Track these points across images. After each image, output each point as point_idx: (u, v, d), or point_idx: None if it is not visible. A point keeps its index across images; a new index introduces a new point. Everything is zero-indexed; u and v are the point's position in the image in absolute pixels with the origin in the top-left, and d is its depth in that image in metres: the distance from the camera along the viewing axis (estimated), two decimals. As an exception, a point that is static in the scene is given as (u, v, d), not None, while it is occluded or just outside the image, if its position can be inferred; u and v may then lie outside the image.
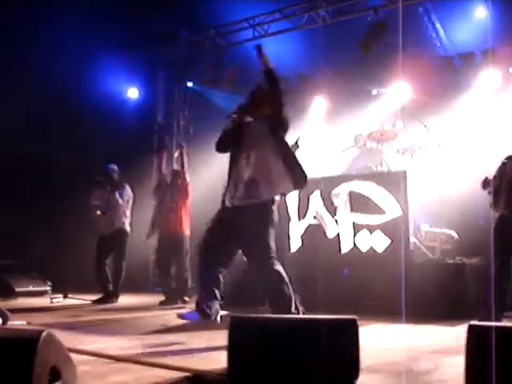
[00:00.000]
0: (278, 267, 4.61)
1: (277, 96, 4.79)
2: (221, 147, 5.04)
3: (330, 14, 9.62)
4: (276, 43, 10.03)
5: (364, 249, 6.96)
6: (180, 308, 7.37)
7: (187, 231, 8.02)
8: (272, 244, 4.61)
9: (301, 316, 3.17)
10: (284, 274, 4.61)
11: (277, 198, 4.74)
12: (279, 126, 4.79)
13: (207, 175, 9.17)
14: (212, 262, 4.78)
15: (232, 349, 3.00)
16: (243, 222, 4.58)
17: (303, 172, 4.71)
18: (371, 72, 9.92)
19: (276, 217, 4.70)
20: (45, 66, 9.24)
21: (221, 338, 3.12)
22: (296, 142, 6.46)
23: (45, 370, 2.37)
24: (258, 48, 5.03)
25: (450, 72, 9.81)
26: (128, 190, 8.42)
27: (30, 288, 8.75)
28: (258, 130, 4.80)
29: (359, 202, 7.06)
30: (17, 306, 7.04)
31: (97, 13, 9.13)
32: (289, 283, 4.61)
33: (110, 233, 8.22)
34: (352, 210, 7.12)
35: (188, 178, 8.19)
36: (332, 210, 7.24)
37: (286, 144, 4.86)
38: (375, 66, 9.59)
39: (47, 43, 9.06)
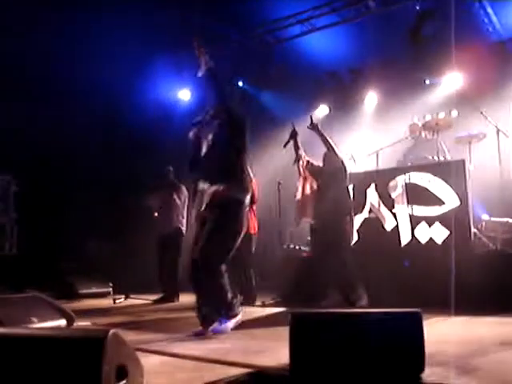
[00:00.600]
0: None
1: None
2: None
3: (378, 4, 9.49)
4: (325, 38, 9.98)
5: (423, 241, 6.86)
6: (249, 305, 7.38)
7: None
8: None
9: (364, 310, 3.14)
10: None
11: None
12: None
13: (259, 171, 9.19)
14: None
15: (294, 345, 3.00)
16: None
17: None
18: (423, 61, 9.74)
19: None
20: (96, 69, 9.42)
21: (283, 334, 3.12)
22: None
23: (112, 368, 2.42)
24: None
25: (503, 57, 9.53)
26: (184, 190, 8.51)
27: (93, 290, 8.93)
28: None
29: (416, 194, 6.97)
30: (81, 308, 7.20)
31: (147, 15, 9.25)
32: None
33: (167, 233, 8.33)
34: (409, 201, 7.03)
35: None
36: (389, 203, 7.16)
37: None
38: (426, 55, 9.41)
39: (98, 46, 9.23)
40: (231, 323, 4.73)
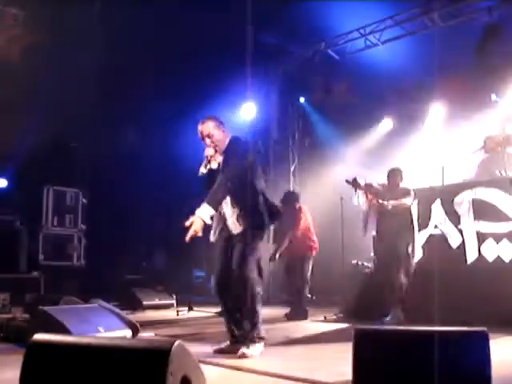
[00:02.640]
0: None
1: None
2: None
3: (443, 17, 9.37)
4: (390, 51, 9.91)
5: (490, 258, 6.68)
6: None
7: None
8: None
9: (429, 328, 3.08)
10: None
11: None
12: None
13: (321, 186, 9.17)
14: None
15: (356, 361, 2.97)
16: None
17: None
18: (490, 75, 9.53)
19: None
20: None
21: (346, 350, 3.10)
22: None
23: (176, 378, 2.46)
24: None
25: None
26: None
27: (157, 301, 9.07)
28: None
29: (483, 210, 6.80)
30: (145, 319, 7.32)
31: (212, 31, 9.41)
32: None
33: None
34: (476, 218, 6.87)
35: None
36: (455, 219, 7.01)
37: None
38: (493, 70, 9.21)
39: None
40: (259, 347, 4.52)
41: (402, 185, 7.12)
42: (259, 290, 4.61)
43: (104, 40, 8.85)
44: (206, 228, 4.63)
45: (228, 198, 4.69)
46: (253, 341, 4.44)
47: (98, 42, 8.91)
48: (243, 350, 4.34)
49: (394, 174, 7.14)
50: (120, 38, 8.84)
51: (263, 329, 4.61)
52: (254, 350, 4.38)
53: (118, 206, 9.91)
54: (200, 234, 4.50)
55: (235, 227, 4.69)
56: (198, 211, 4.45)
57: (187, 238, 4.48)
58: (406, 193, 6.94)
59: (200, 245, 10.22)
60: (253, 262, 4.62)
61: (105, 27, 8.86)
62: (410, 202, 6.92)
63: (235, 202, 4.69)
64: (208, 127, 4.84)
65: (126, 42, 8.99)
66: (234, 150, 4.83)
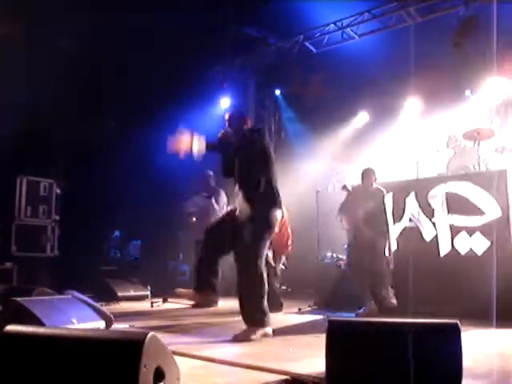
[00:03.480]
0: None
1: None
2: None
3: (420, 11, 9.42)
4: (367, 44, 9.95)
5: (463, 251, 6.76)
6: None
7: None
8: None
9: (401, 321, 3.11)
10: None
11: None
12: None
13: (298, 179, 9.18)
14: None
15: (330, 353, 3.00)
16: None
17: None
18: (465, 69, 9.62)
19: None
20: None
21: (320, 341, 3.12)
22: None
23: (150, 370, 2.46)
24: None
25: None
26: (223, 195, 8.53)
27: (131, 292, 9.01)
28: None
29: (457, 204, 6.87)
30: (119, 310, 7.28)
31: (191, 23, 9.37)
32: None
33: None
34: (449, 211, 6.94)
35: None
36: (429, 212, 7.08)
37: None
38: (469, 63, 9.29)
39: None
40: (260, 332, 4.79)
41: (375, 184, 7.24)
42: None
43: (79, 27, 8.75)
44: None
45: None
46: (261, 325, 4.81)
47: (72, 29, 8.81)
48: (252, 336, 4.70)
49: (368, 174, 7.25)
50: (95, 26, 8.75)
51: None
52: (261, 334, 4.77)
53: (93, 196, 9.82)
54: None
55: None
56: None
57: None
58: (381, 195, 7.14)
59: (177, 237, 10.25)
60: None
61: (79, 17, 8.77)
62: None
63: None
64: None
65: (102, 29, 8.89)
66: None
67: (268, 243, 5.19)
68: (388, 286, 6.95)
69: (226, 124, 5.55)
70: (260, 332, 4.78)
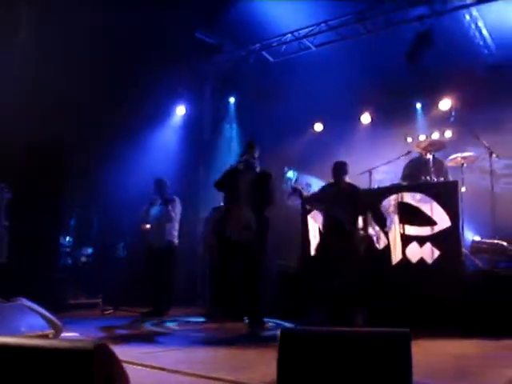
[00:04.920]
0: None
1: None
2: None
3: (375, 24, 9.57)
4: (323, 55, 10.06)
5: (414, 260, 6.88)
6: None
7: None
8: None
9: (353, 329, 3.14)
10: None
11: None
12: None
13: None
14: None
15: (281, 361, 3.00)
16: None
17: None
18: (418, 83, 9.82)
19: None
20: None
21: (271, 351, 3.12)
22: None
23: (99, 379, 2.42)
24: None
25: (498, 80, 9.56)
26: (178, 204, 8.49)
27: (83, 300, 8.89)
28: None
29: (408, 214, 7.00)
30: (69, 318, 7.16)
31: (145, 26, 9.30)
32: None
33: (160, 246, 8.29)
34: (401, 221, 7.06)
35: None
36: (381, 222, 7.19)
37: None
38: (422, 77, 9.49)
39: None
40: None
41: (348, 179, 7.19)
42: None
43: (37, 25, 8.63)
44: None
45: None
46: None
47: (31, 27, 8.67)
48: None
49: (337, 169, 7.15)
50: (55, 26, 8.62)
51: None
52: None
53: (43, 201, 9.62)
54: None
55: None
56: None
57: None
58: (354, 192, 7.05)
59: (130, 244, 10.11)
60: None
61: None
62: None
63: None
64: None
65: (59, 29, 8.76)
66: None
67: None
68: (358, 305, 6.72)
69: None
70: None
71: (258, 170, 6.67)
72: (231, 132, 11.90)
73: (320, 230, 7.53)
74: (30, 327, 4.63)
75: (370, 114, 10.75)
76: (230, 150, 11.70)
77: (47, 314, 5.19)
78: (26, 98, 8.89)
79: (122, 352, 2.79)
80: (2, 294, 6.32)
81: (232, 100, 11.81)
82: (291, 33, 10.30)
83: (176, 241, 8.41)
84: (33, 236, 9.03)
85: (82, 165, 9.44)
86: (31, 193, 8.66)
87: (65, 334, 5.05)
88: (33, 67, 8.64)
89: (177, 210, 8.44)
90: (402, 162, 8.64)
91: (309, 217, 7.91)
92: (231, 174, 6.56)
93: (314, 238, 7.83)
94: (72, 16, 8.60)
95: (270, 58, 10.95)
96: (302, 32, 10.21)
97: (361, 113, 10.85)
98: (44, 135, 9.18)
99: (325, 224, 7.17)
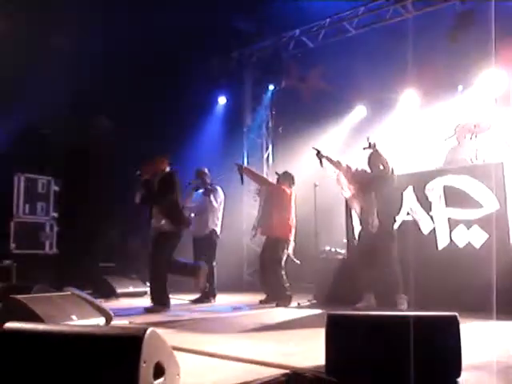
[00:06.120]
0: None
1: None
2: None
3: (416, 5, 9.42)
4: (364, 38, 9.95)
5: (461, 244, 6.77)
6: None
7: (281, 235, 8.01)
8: None
9: (401, 313, 3.12)
10: None
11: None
12: None
13: (295, 173, 9.17)
14: None
15: (329, 346, 3.01)
16: None
17: None
18: (460, 63, 9.61)
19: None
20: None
21: (318, 335, 3.13)
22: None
23: (149, 365, 2.46)
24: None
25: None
26: (220, 192, 8.54)
27: (131, 289, 9.03)
28: None
29: (454, 197, 6.88)
30: (118, 307, 7.29)
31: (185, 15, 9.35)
32: None
33: (203, 235, 8.36)
34: (447, 204, 6.95)
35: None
36: (426, 206, 7.09)
37: None
38: (464, 57, 9.29)
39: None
40: None
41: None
42: None
43: (77, 25, 8.75)
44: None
45: None
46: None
47: (70, 27, 8.81)
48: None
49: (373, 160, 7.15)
50: (94, 25, 8.75)
51: None
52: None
53: (91, 192, 9.81)
54: None
55: None
56: None
57: None
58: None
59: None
60: None
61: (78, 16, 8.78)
62: None
63: None
64: None
65: (100, 30, 8.89)
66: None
67: None
68: (399, 292, 6.67)
69: None
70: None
71: None
72: (271, 119, 11.90)
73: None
74: (81, 316, 4.73)
75: (412, 97, 10.57)
76: (269, 138, 11.72)
77: (97, 302, 5.30)
78: (72, 98, 9.10)
79: (171, 338, 2.84)
80: (53, 283, 6.49)
81: (271, 87, 11.79)
82: (330, 17, 10.22)
83: (218, 229, 8.47)
84: (81, 227, 9.20)
85: (129, 157, 9.57)
86: (79, 185, 8.81)
87: (114, 322, 5.15)
88: (74, 66, 8.82)
89: (219, 200, 8.49)
90: (447, 145, 8.50)
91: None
92: None
93: (358, 225, 7.79)
94: (115, 13, 8.71)
95: (310, 44, 10.88)
96: (341, 16, 10.12)
97: (403, 95, 10.68)
98: (92, 131, 9.38)
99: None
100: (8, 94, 8.56)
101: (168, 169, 7.46)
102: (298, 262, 8.16)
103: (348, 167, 7.33)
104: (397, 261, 6.70)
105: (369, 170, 7.20)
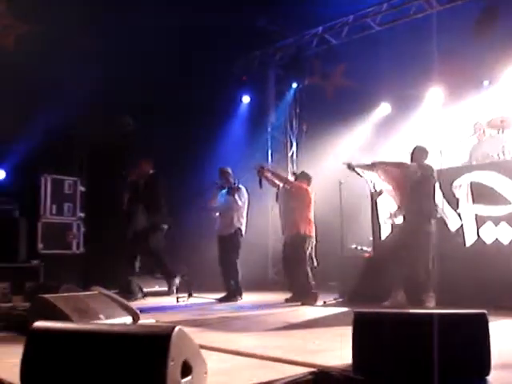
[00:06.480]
0: None
1: None
2: None
3: (440, 0, 9.33)
4: (387, 34, 9.88)
5: (489, 241, 6.69)
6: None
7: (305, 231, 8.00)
8: None
9: (428, 311, 3.09)
10: None
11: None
12: None
13: (320, 171, 9.14)
14: None
15: (356, 344, 2.99)
16: None
17: None
18: (485, 58, 9.49)
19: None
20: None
21: (345, 333, 3.11)
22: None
23: (177, 364, 2.47)
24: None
25: None
26: (244, 191, 8.54)
27: (157, 288, 9.09)
28: None
29: (482, 193, 6.81)
30: (144, 306, 7.34)
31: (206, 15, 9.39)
32: None
33: (228, 234, 8.38)
34: (474, 201, 6.88)
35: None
36: (454, 203, 7.02)
37: None
38: (490, 52, 9.17)
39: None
40: None
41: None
42: None
43: (101, 26, 8.83)
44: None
45: None
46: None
47: (94, 27, 8.88)
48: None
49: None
50: (119, 25, 8.81)
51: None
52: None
53: (116, 193, 9.89)
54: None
55: None
56: None
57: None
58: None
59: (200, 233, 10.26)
60: None
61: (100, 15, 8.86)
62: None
63: None
64: None
65: (125, 30, 8.95)
66: None
67: None
68: (428, 290, 6.53)
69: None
70: None
71: None
72: (295, 117, 11.88)
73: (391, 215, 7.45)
74: (108, 315, 4.76)
75: (437, 93, 10.46)
76: (293, 136, 11.71)
77: (124, 301, 5.33)
78: (98, 99, 9.19)
79: (197, 337, 2.84)
80: (80, 283, 6.55)
81: (294, 85, 11.76)
82: (353, 14, 10.17)
83: (243, 228, 8.47)
84: (107, 226, 9.28)
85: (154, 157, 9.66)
86: (104, 185, 8.88)
87: (141, 321, 5.18)
88: (100, 66, 8.90)
89: (243, 199, 8.50)
90: (474, 141, 8.41)
91: (378, 200, 7.82)
92: None
93: (384, 223, 7.75)
94: (140, 13, 8.78)
95: (333, 41, 10.84)
96: (364, 12, 10.06)
97: (428, 91, 10.58)
98: (117, 131, 9.47)
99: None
100: (34, 95, 8.66)
101: (151, 171, 8.39)
102: (315, 264, 8.10)
103: (382, 163, 7.30)
104: (430, 259, 6.60)
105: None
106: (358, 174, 7.49)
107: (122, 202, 8.19)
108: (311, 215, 8.07)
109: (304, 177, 8.35)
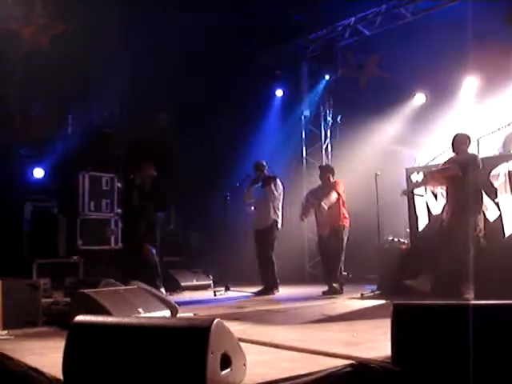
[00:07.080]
0: None
1: None
2: None
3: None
4: (420, 24, 9.75)
5: (528, 231, 6.58)
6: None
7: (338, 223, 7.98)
8: None
9: (467, 302, 3.06)
10: None
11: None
12: None
13: (355, 163, 9.10)
14: None
15: (396, 336, 2.98)
16: None
17: None
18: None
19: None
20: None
21: (384, 326, 3.10)
22: None
23: (216, 356, 2.50)
24: None
25: None
26: (279, 184, 8.54)
27: (195, 282, 9.18)
28: None
29: (521, 182, 6.69)
30: (183, 299, 7.41)
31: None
32: None
33: (264, 227, 8.38)
34: (513, 190, 6.76)
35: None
36: (492, 193, 6.91)
37: None
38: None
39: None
40: None
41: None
42: None
43: (137, 25, 8.92)
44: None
45: None
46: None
47: (124, 28, 8.98)
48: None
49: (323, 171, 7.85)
50: (156, 26, 8.90)
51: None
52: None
53: (153, 188, 10.00)
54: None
55: None
56: None
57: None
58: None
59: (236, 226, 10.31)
60: None
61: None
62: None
63: None
64: None
65: (161, 30, 9.04)
66: None
67: None
68: (468, 281, 6.35)
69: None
70: None
71: None
72: (328, 109, 11.82)
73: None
74: (147, 308, 4.83)
75: (472, 83, 10.29)
76: (327, 128, 11.67)
77: (162, 295, 5.40)
78: (135, 97, 9.30)
79: (235, 330, 2.87)
80: (120, 277, 6.64)
81: (327, 77, 11.68)
82: (386, 3, 10.05)
83: (279, 220, 8.46)
84: (144, 222, 9.36)
85: (190, 153, 9.76)
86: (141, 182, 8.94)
87: (180, 315, 5.23)
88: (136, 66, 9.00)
89: (279, 190, 8.49)
90: (504, 133, 8.26)
91: (415, 192, 7.74)
92: None
93: (422, 214, 7.67)
94: (178, 13, 8.85)
95: (366, 31, 10.74)
96: (397, 2, 9.94)
97: (464, 81, 10.41)
98: (153, 129, 9.58)
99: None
100: (72, 94, 8.80)
101: (155, 173, 8.57)
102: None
103: (429, 173, 7.24)
104: (471, 250, 6.47)
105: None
106: (420, 194, 7.46)
107: (130, 201, 8.40)
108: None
109: (328, 170, 8.34)
